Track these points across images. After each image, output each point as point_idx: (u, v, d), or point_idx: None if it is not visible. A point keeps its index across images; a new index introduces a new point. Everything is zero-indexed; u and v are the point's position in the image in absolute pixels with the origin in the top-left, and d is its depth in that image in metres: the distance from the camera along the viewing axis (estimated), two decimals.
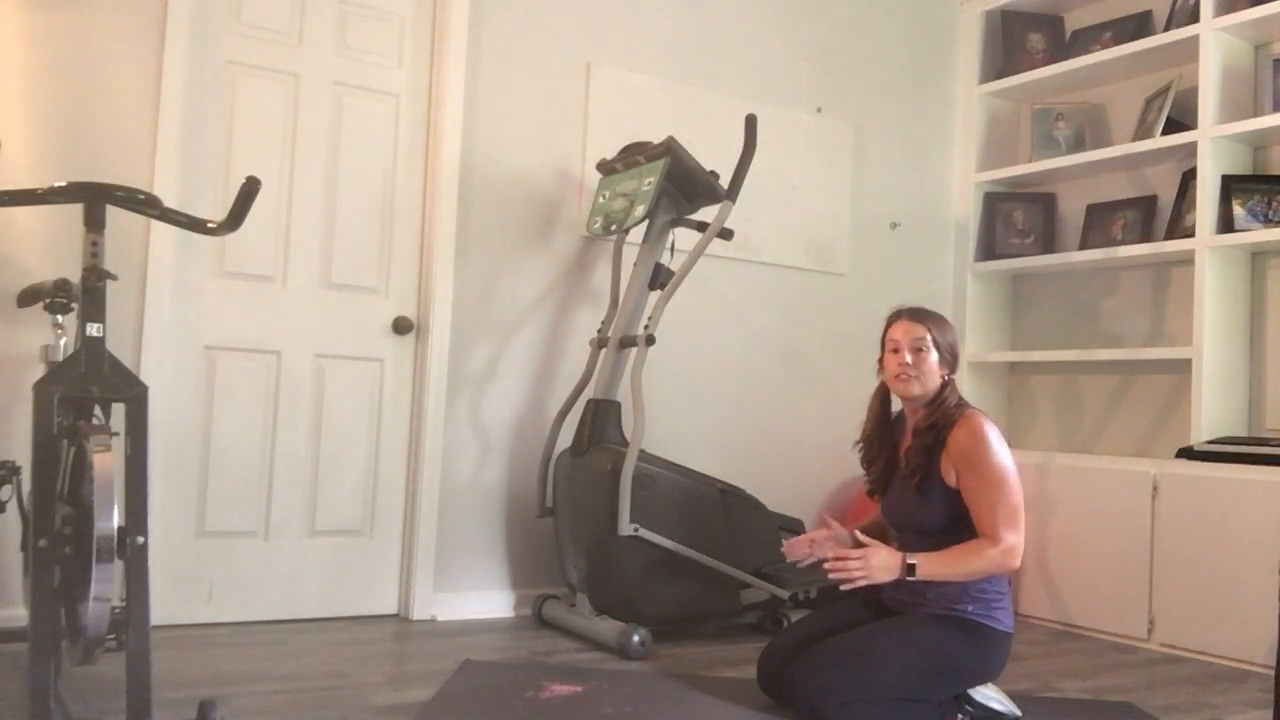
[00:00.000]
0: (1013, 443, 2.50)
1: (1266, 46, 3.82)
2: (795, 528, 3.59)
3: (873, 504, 2.75)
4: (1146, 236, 4.06)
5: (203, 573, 3.17)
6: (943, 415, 2.46)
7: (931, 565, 2.36)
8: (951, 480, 2.42)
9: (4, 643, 2.62)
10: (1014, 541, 2.36)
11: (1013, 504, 2.37)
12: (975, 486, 2.39)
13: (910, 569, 2.35)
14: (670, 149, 3.24)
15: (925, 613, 2.44)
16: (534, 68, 3.66)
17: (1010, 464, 2.41)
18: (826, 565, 2.37)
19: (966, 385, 4.30)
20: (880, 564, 2.35)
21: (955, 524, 2.43)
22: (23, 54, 2.92)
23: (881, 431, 2.63)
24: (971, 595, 2.41)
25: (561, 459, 3.37)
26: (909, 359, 2.48)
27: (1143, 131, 4.03)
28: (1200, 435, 3.58)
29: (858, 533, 2.51)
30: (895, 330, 2.54)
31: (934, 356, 2.48)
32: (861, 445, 2.68)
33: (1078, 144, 4.36)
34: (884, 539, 2.59)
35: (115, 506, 1.94)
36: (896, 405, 2.65)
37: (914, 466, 2.47)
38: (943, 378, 2.50)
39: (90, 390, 2.06)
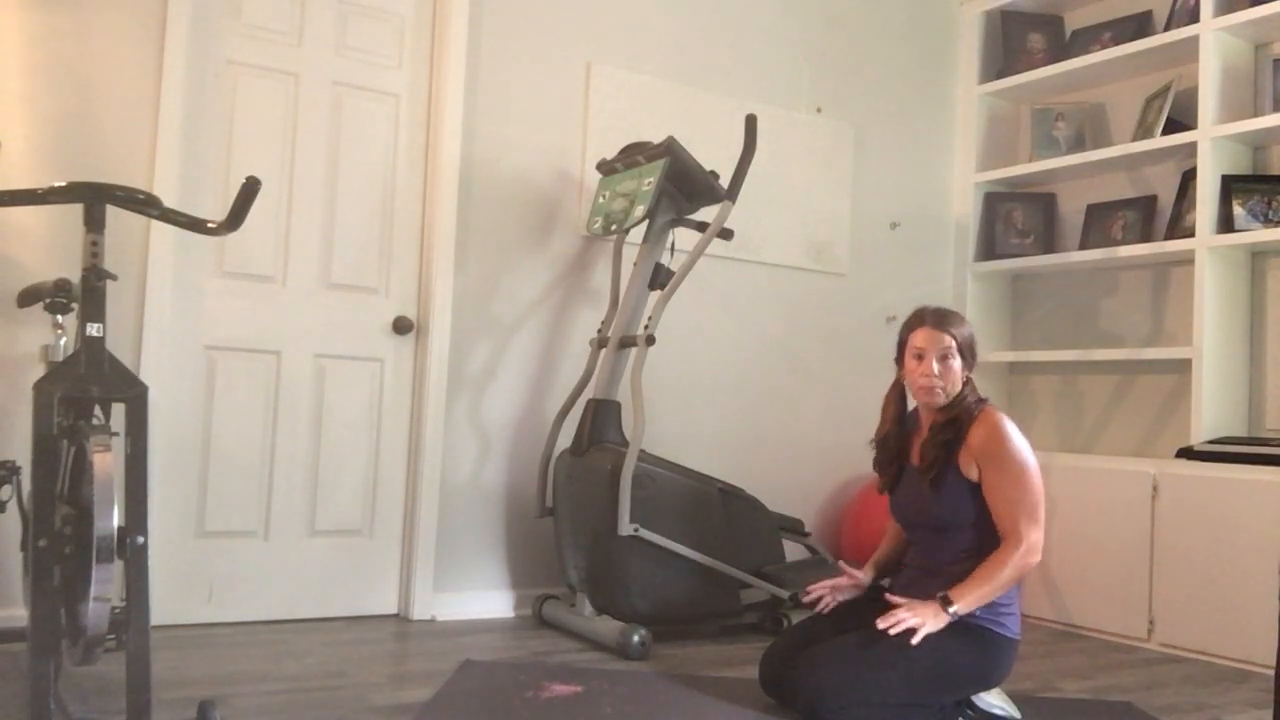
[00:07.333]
0: None
1: (1266, 46, 3.82)
2: (795, 527, 3.59)
3: (878, 512, 2.74)
4: (1146, 236, 4.06)
5: (203, 573, 3.17)
6: (962, 412, 2.45)
7: (967, 597, 2.32)
8: (971, 474, 2.42)
9: (4, 643, 2.62)
10: (1036, 538, 2.35)
11: (1033, 499, 2.37)
12: (996, 482, 2.39)
13: (947, 600, 2.31)
14: (670, 149, 3.24)
15: None
16: (534, 68, 3.66)
17: (1031, 459, 2.41)
18: (892, 630, 2.30)
19: None
20: (923, 611, 2.31)
21: (969, 519, 2.42)
22: (23, 55, 2.92)
23: (898, 431, 2.61)
24: None
25: (561, 459, 3.37)
26: (936, 369, 2.45)
27: (1143, 131, 4.03)
28: (1200, 435, 3.58)
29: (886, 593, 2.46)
30: (919, 337, 2.49)
31: (958, 363, 2.46)
32: (876, 445, 2.65)
33: (1078, 144, 4.36)
34: (898, 561, 2.61)
35: (115, 506, 1.94)
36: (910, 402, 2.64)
37: (930, 461, 2.45)
38: (965, 379, 2.49)
39: (90, 390, 2.06)
